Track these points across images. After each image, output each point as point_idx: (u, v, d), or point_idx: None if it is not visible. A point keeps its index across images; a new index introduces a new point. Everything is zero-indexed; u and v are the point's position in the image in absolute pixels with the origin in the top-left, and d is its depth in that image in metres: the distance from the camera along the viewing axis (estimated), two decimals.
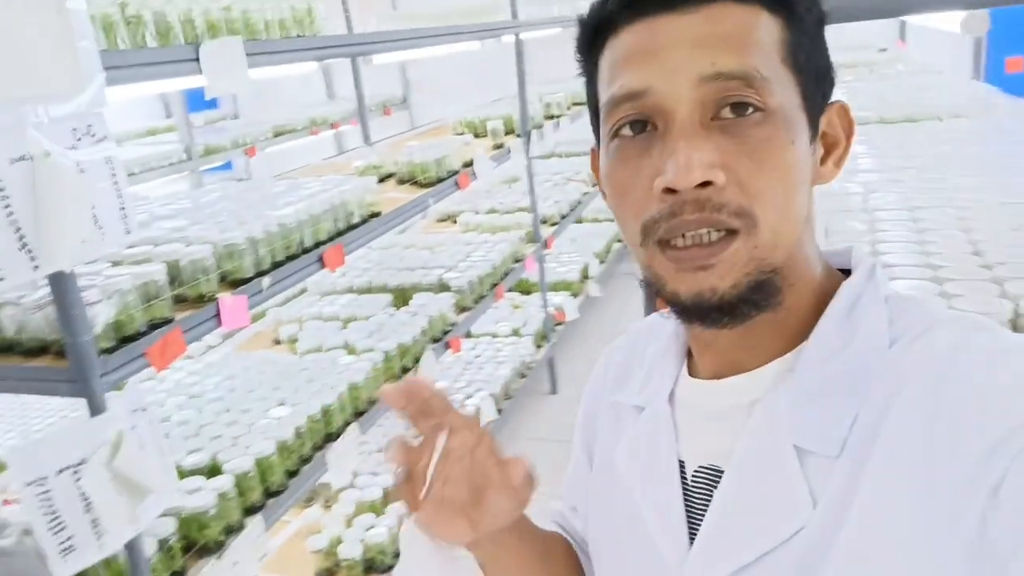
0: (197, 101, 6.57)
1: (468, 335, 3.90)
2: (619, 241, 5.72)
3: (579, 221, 5.49)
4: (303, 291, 3.45)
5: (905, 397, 0.55)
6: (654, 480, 0.67)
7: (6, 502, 1.82)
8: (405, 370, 2.62)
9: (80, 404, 1.46)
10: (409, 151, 2.99)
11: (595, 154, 0.71)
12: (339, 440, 2.19)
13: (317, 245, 2.15)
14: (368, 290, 3.27)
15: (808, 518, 0.56)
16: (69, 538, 1.42)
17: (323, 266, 2.11)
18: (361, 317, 2.90)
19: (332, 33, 2.60)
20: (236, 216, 2.07)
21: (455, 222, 4.49)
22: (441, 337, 2.90)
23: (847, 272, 0.66)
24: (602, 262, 5.10)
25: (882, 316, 0.61)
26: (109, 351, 1.50)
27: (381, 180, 2.90)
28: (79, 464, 1.42)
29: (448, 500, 0.66)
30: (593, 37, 0.64)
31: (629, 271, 5.32)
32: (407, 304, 3.01)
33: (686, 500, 0.65)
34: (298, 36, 2.10)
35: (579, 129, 4.34)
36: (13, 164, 1.31)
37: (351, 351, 2.59)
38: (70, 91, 1.37)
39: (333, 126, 5.68)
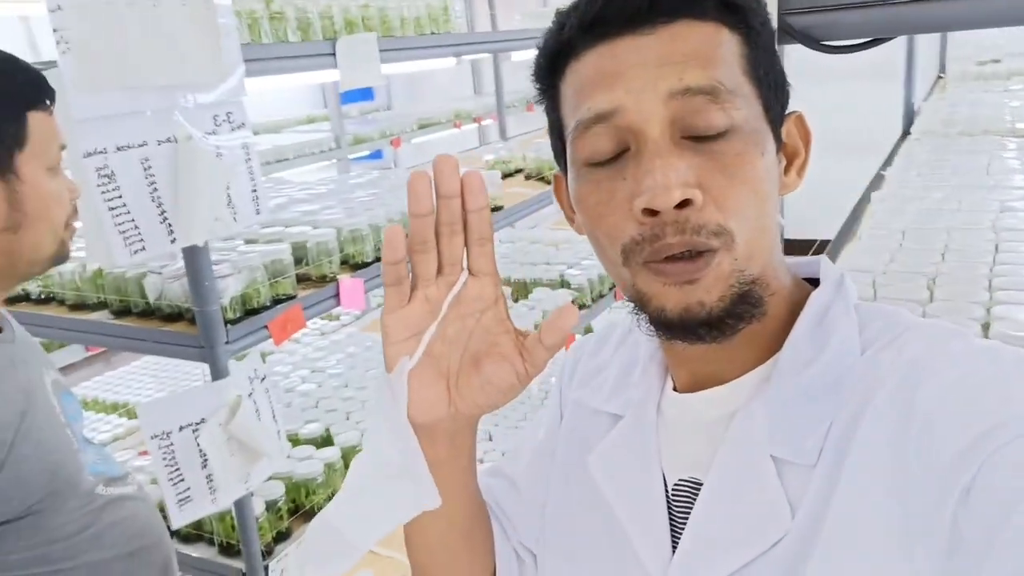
0: (355, 92, 6.91)
1: (588, 330, 3.90)
2: None
3: None
4: None
5: (877, 403, 0.55)
6: (636, 493, 0.67)
7: (142, 453, 2.00)
8: None
9: (205, 369, 1.59)
10: (538, 147, 3.03)
11: (559, 180, 0.70)
12: None
13: None
14: None
15: (788, 528, 0.57)
16: (186, 490, 1.56)
17: None
18: None
19: (480, 31, 2.67)
20: (364, 203, 2.18)
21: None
22: None
23: (815, 283, 0.66)
24: None
25: (852, 324, 0.61)
26: (234, 321, 1.62)
27: (509, 175, 2.96)
28: (199, 423, 1.55)
29: (434, 358, 0.62)
30: (553, 62, 0.64)
31: None
32: (526, 297, 3.06)
33: (669, 513, 0.65)
34: (432, 33, 2.18)
35: None
36: (160, 145, 1.44)
37: None
38: (213, 80, 1.49)
39: (476, 120, 5.82)
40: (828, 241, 1.90)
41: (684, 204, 0.56)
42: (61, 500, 1.08)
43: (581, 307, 3.15)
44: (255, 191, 1.60)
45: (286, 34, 1.76)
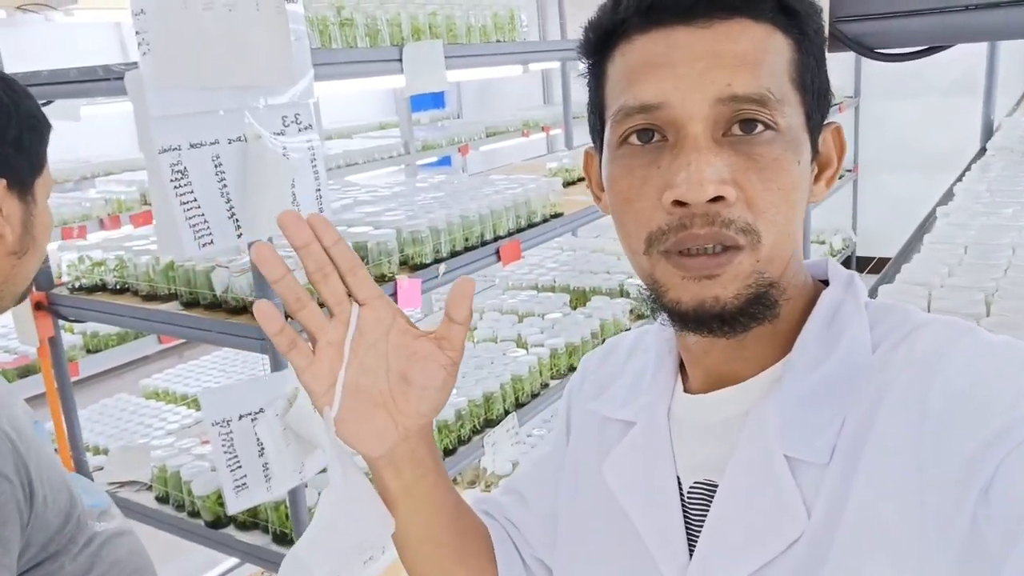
0: (427, 100, 7.03)
1: None
2: None
3: None
4: (491, 284, 3.60)
5: (891, 401, 0.55)
6: (651, 498, 0.67)
7: (204, 442, 2.08)
8: (571, 368, 2.68)
9: (265, 360, 1.65)
10: None
11: (590, 157, 0.71)
12: (497, 427, 2.29)
13: (496, 239, 2.25)
14: (551, 288, 3.36)
15: (803, 528, 0.56)
16: (243, 477, 1.61)
17: (499, 259, 2.22)
18: (537, 313, 2.99)
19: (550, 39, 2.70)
20: (425, 206, 2.22)
21: None
22: None
23: (825, 283, 0.66)
24: None
25: (863, 323, 0.61)
26: None
27: (570, 183, 2.97)
28: (257, 412, 1.60)
29: (364, 392, 0.63)
30: (603, 40, 0.63)
31: None
32: (584, 305, 3.06)
33: (685, 516, 0.65)
34: (497, 41, 2.22)
35: None
36: (231, 144, 1.51)
37: (521, 344, 2.69)
38: (284, 83, 1.55)
39: (544, 129, 5.86)
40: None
41: (716, 200, 0.57)
42: (71, 541, 1.05)
43: (639, 317, 3.14)
44: (319, 190, 1.66)
45: (355, 40, 1.81)
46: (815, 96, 0.62)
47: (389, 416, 0.64)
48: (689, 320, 0.60)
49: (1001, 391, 0.52)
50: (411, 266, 2.03)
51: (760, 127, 0.58)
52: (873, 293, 1.40)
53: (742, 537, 0.60)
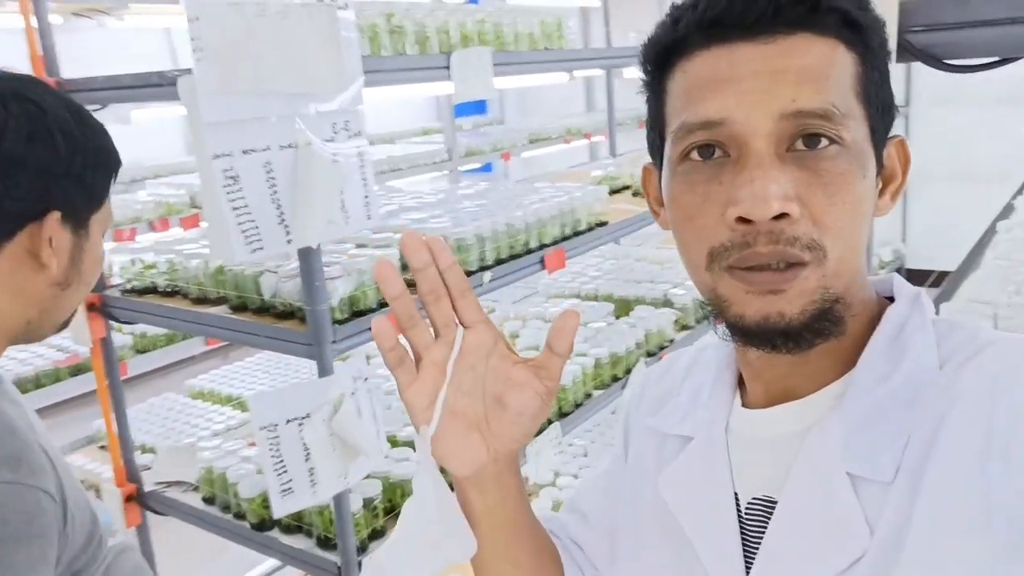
0: (470, 106, 7.05)
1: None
2: (873, 276, 5.34)
3: None
4: (534, 292, 3.59)
5: (957, 419, 0.54)
6: (708, 513, 0.66)
7: (250, 444, 2.10)
8: (615, 378, 2.66)
9: (312, 366, 1.66)
10: None
11: (649, 172, 0.70)
12: (540, 436, 2.27)
13: (542, 247, 2.24)
14: (594, 297, 3.34)
15: (866, 546, 0.55)
16: (289, 481, 1.62)
17: (543, 267, 2.21)
18: (581, 322, 2.97)
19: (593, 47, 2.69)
20: (470, 213, 2.22)
21: None
22: (656, 352, 2.89)
23: (891, 300, 0.65)
24: None
25: (929, 339, 0.60)
26: (342, 322, 1.68)
27: (616, 191, 2.95)
28: (304, 417, 1.61)
29: (460, 413, 0.64)
30: (663, 56, 0.63)
31: None
32: (627, 315, 3.04)
33: (742, 532, 0.64)
34: (545, 49, 2.21)
35: None
36: (282, 150, 1.52)
37: None
38: (333, 90, 1.56)
39: (586, 136, 5.85)
40: (947, 273, 1.82)
41: (780, 217, 0.56)
42: (92, 560, 1.05)
43: (683, 328, 3.11)
44: (367, 197, 1.67)
45: (404, 47, 1.82)
46: (879, 110, 0.61)
47: (482, 438, 0.65)
48: (752, 335, 0.59)
49: None
50: None
51: (825, 142, 0.57)
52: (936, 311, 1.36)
53: (802, 555, 0.59)
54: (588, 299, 3.34)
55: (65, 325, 1.10)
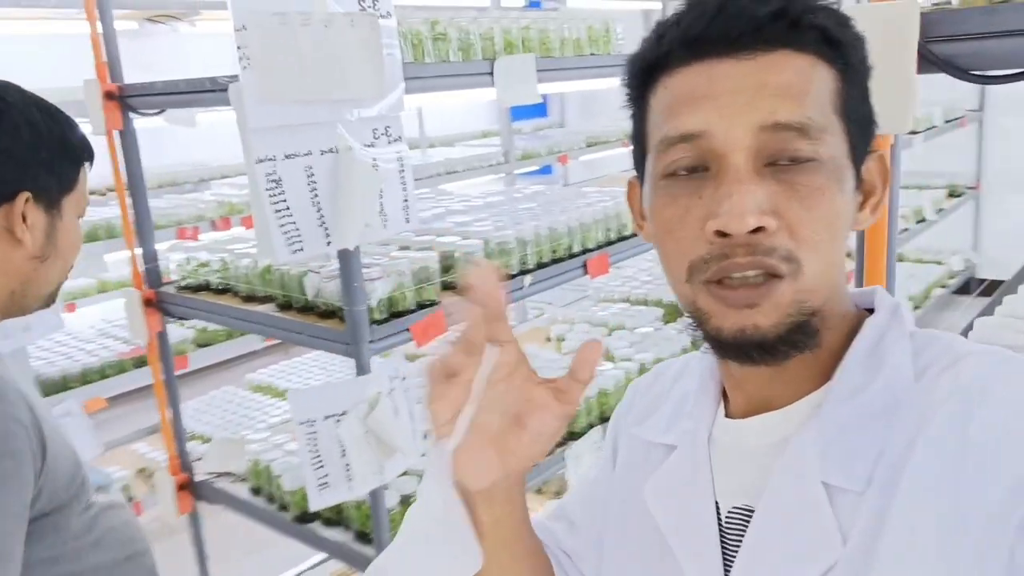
0: (529, 109, 7.07)
1: None
2: (942, 287, 5.18)
3: (900, 259, 5.04)
4: (584, 295, 3.59)
5: (932, 430, 0.55)
6: (690, 522, 0.67)
7: (295, 438, 2.16)
8: None
9: (351, 364, 1.70)
10: None
11: (633, 186, 0.71)
12: (580, 440, 2.28)
13: (585, 251, 2.25)
14: (643, 302, 3.33)
15: (839, 555, 0.56)
16: (326, 475, 1.67)
17: (586, 272, 2.21)
18: (627, 327, 2.96)
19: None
20: (515, 217, 2.24)
21: None
22: None
23: (872, 312, 0.65)
24: (917, 307, 4.65)
25: (907, 351, 0.61)
26: (380, 322, 1.72)
27: None
28: (341, 414, 1.66)
29: (479, 428, 0.64)
30: (646, 72, 0.64)
31: (953, 322, 4.79)
32: (675, 321, 3.02)
33: (722, 542, 0.65)
34: (591, 54, 2.22)
35: None
36: (323, 155, 1.57)
37: (609, 358, 2.67)
38: (374, 97, 1.60)
39: None
40: (1000, 282, 1.76)
41: (757, 231, 0.57)
42: (77, 499, 1.15)
43: None
44: (406, 201, 1.70)
45: (448, 54, 1.85)
46: (859, 125, 0.62)
47: (497, 454, 0.65)
48: (730, 347, 0.61)
49: None
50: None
51: (803, 156, 0.58)
52: (971, 325, 1.32)
53: (777, 563, 0.60)
54: (637, 303, 3.33)
55: (52, 299, 1.24)
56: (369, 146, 1.61)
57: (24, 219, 1.12)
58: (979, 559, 0.51)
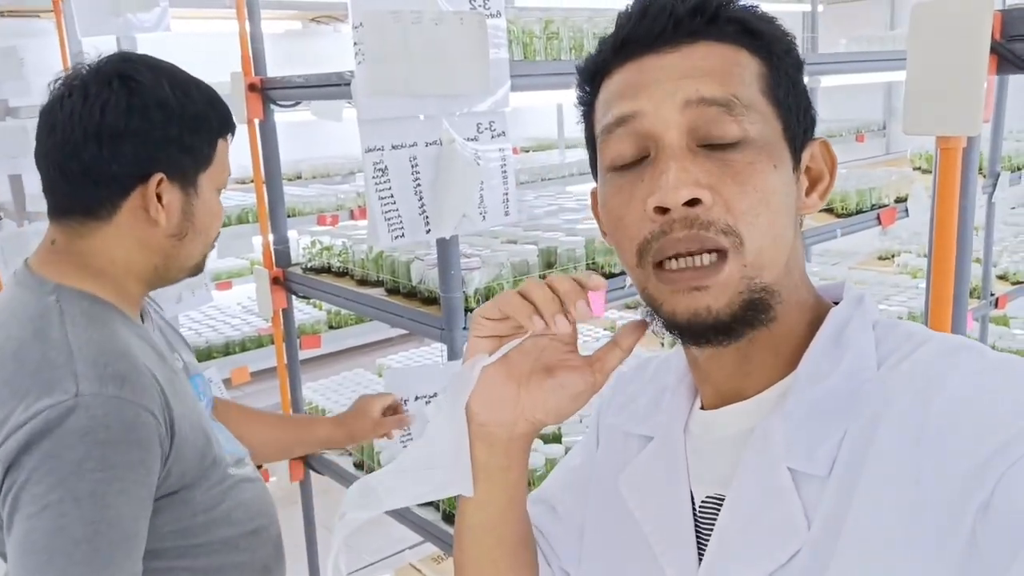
0: None
1: None
2: None
3: None
4: None
5: (893, 415, 0.55)
6: (665, 511, 0.68)
7: None
8: None
9: (443, 349, 1.77)
10: (858, 177, 2.87)
11: (595, 197, 0.73)
12: None
13: None
14: None
15: (804, 539, 0.57)
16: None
17: None
18: None
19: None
20: None
21: (893, 260, 4.14)
22: None
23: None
24: None
25: (870, 339, 0.62)
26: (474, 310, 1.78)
27: None
28: (432, 396, 1.73)
29: (509, 364, 0.66)
30: (589, 81, 0.69)
31: None
32: None
33: (696, 530, 0.66)
34: None
35: None
36: (428, 147, 1.64)
37: None
38: (480, 93, 1.66)
39: None
40: None
41: (694, 203, 0.59)
42: (206, 477, 1.16)
43: None
44: (506, 195, 1.75)
45: (559, 53, 1.88)
46: (791, 110, 0.64)
47: (516, 393, 0.67)
48: (685, 331, 0.62)
49: (1000, 406, 0.52)
50: (602, 275, 2.06)
51: (733, 134, 0.60)
52: None
53: (746, 549, 0.61)
54: None
55: (198, 269, 1.26)
56: (472, 140, 1.67)
57: (160, 199, 1.12)
58: (940, 541, 0.51)
